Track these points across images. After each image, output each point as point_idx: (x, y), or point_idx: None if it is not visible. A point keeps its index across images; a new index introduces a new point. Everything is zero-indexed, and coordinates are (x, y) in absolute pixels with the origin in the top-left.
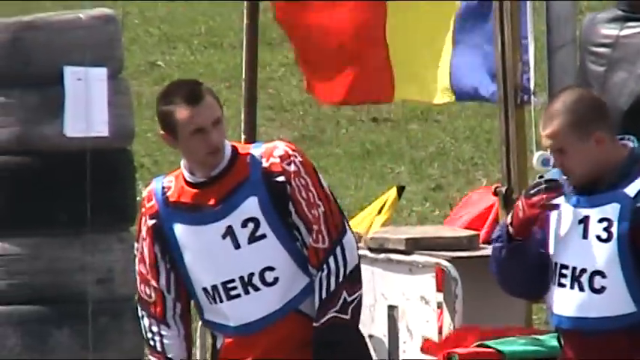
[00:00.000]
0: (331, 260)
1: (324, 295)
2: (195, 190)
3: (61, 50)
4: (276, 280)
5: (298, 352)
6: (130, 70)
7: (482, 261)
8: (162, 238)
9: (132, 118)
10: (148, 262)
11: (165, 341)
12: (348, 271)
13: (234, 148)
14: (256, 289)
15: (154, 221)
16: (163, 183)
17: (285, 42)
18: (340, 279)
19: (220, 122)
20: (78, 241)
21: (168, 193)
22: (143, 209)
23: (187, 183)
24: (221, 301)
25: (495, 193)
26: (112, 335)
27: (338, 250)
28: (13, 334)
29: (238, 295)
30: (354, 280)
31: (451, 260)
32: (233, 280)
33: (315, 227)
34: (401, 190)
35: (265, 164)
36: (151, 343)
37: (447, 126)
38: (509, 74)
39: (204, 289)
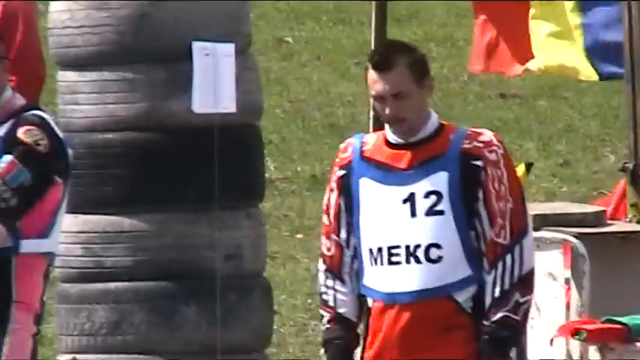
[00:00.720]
0: (508, 258)
1: (496, 293)
2: (391, 150)
3: (189, 26)
4: (439, 258)
5: (438, 334)
6: (258, 45)
7: (609, 237)
8: (348, 190)
9: (260, 94)
10: (332, 214)
11: (338, 296)
12: (523, 273)
13: (442, 124)
14: (418, 261)
15: (343, 172)
16: (363, 138)
17: (414, 18)
18: (515, 279)
19: (404, 96)
20: (205, 218)
21: (365, 148)
22: (337, 159)
23: (386, 142)
24: (381, 264)
25: (623, 169)
26: (240, 312)
27: (517, 249)
28: (140, 311)
29: (398, 263)
30: (527, 283)
31: (578, 236)
32: (398, 247)
33: (500, 221)
34: (529, 166)
35: (467, 145)
36: (324, 297)
37: (574, 103)
38: (637, 51)
39: (370, 250)
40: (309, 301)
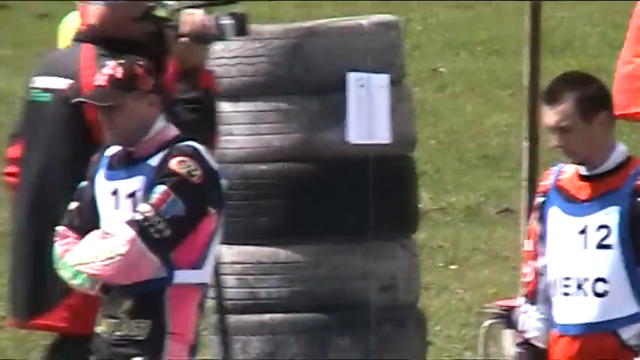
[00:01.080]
0: None
1: None
2: (580, 182)
3: (343, 57)
4: (604, 293)
5: None
6: (412, 76)
7: None
8: (543, 218)
9: (414, 125)
10: (532, 241)
11: (530, 322)
12: None
13: (630, 158)
14: (585, 294)
15: (541, 199)
16: (562, 167)
17: (567, 49)
18: None
19: (568, 130)
20: (360, 249)
21: (561, 177)
22: (540, 186)
23: (578, 172)
24: (557, 295)
25: None
26: (395, 343)
27: None
28: (295, 343)
29: (569, 294)
30: None
31: None
32: (570, 278)
33: None
34: None
35: (638, 182)
36: (519, 320)
37: None
38: None
39: (551, 280)
40: (464, 331)
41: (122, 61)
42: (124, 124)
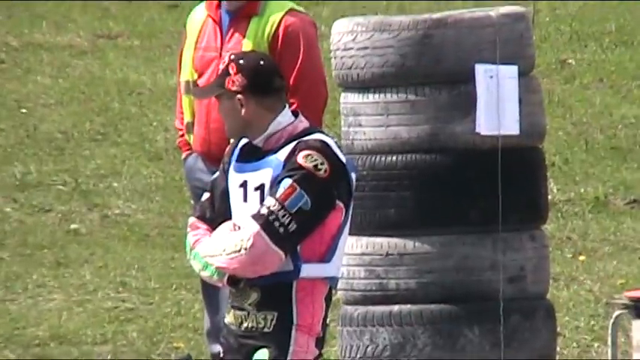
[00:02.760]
0: None
1: None
2: None
3: (471, 48)
4: None
5: None
6: (541, 67)
7: None
8: None
9: (543, 117)
10: None
11: None
12: None
13: None
14: None
15: None
16: None
17: None
18: None
19: None
20: (489, 240)
21: None
22: None
23: None
24: None
25: None
26: (524, 334)
27: None
28: (424, 334)
29: None
30: None
31: None
32: None
33: None
34: None
35: None
36: None
37: None
38: None
39: None
40: (592, 322)
41: (235, 56)
42: (223, 119)
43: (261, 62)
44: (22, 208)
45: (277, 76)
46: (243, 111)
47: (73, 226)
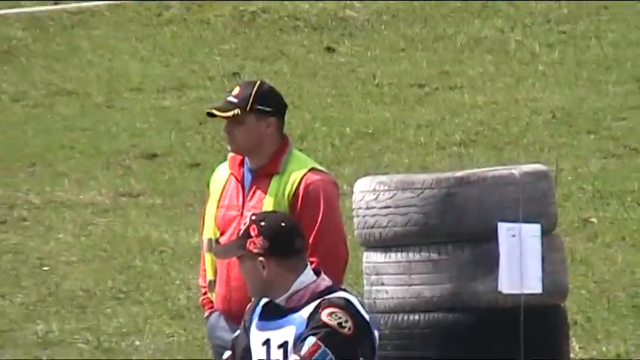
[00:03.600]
0: None
1: None
2: None
3: (494, 206)
4: None
5: None
6: (563, 226)
7: None
8: None
9: (565, 275)
10: None
11: None
12: None
13: None
14: None
15: None
16: None
17: None
18: None
19: None
20: None
21: None
22: None
23: None
24: None
25: None
26: None
27: None
28: None
29: None
30: None
31: None
32: None
33: None
34: None
35: None
36: None
37: None
38: None
39: None
40: None
41: (256, 217)
42: (245, 279)
43: (283, 224)
44: None
45: (298, 237)
46: (264, 273)
47: None
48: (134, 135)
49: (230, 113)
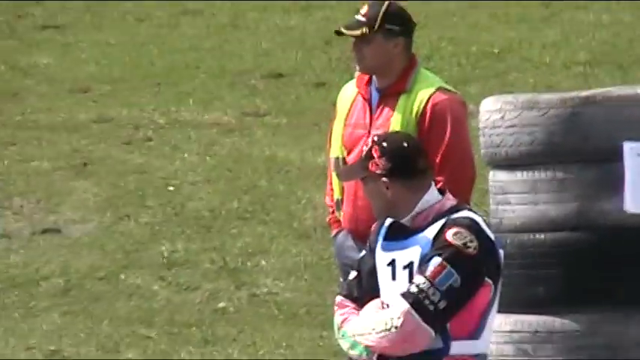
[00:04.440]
0: None
1: None
2: None
3: (619, 125)
4: None
5: None
6: None
7: None
8: None
9: None
10: None
11: None
12: None
13: None
14: None
15: None
16: None
17: None
18: None
19: None
20: (637, 318)
21: None
22: None
23: None
24: None
25: None
26: None
27: None
28: None
29: None
30: None
31: None
32: None
33: None
34: None
35: None
36: None
37: None
38: None
39: None
40: None
41: (378, 138)
42: (369, 200)
43: (405, 144)
44: (170, 287)
45: (421, 157)
46: (388, 193)
47: (220, 305)
48: (259, 55)
49: (358, 32)
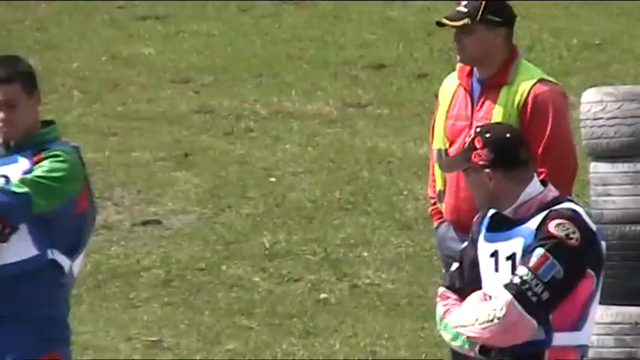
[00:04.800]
0: None
1: None
2: None
3: None
4: None
5: None
6: None
7: None
8: None
9: None
10: None
11: None
12: None
13: None
14: None
15: None
16: None
17: None
18: None
19: None
20: None
21: None
22: None
23: None
24: None
25: None
26: None
27: None
28: None
29: None
30: None
31: None
32: None
33: None
34: None
35: None
36: None
37: None
38: None
39: None
40: None
41: (481, 129)
42: (471, 191)
43: (507, 135)
44: (271, 278)
45: (524, 148)
46: (491, 184)
47: (322, 296)
48: (361, 45)
49: (460, 22)
